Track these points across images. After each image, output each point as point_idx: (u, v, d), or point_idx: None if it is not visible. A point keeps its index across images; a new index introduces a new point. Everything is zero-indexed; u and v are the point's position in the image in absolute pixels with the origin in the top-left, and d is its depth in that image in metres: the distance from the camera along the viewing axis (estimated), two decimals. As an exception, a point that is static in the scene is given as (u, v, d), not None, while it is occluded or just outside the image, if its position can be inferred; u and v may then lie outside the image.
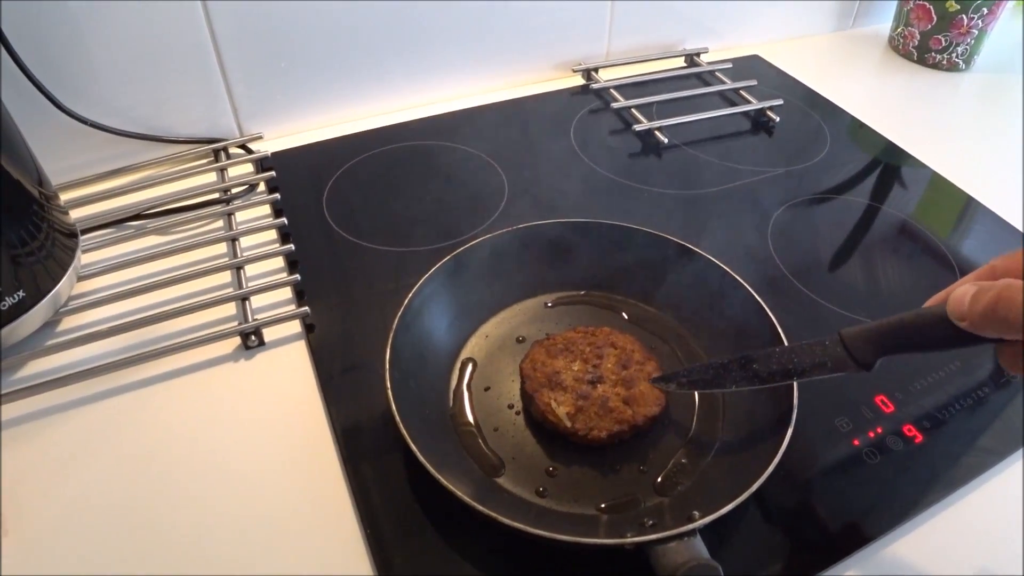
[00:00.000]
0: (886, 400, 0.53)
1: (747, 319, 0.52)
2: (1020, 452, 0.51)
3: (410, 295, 0.51)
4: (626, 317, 0.57)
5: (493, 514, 0.39)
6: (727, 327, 0.53)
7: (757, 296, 0.52)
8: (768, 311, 0.51)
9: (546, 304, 0.58)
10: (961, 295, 0.35)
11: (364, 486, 0.46)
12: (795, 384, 0.46)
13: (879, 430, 0.51)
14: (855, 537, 0.45)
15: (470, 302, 0.56)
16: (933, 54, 0.98)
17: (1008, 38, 1.09)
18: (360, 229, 0.65)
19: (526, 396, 0.49)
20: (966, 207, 0.72)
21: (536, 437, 0.49)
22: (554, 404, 0.48)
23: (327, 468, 0.48)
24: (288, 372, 0.54)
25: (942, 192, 0.74)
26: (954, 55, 0.97)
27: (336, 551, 0.43)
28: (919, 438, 0.50)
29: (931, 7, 0.95)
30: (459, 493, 0.39)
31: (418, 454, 0.41)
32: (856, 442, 0.50)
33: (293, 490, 0.46)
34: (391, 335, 0.48)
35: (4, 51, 0.59)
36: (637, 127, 0.76)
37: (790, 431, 0.44)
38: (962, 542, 0.46)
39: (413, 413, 0.45)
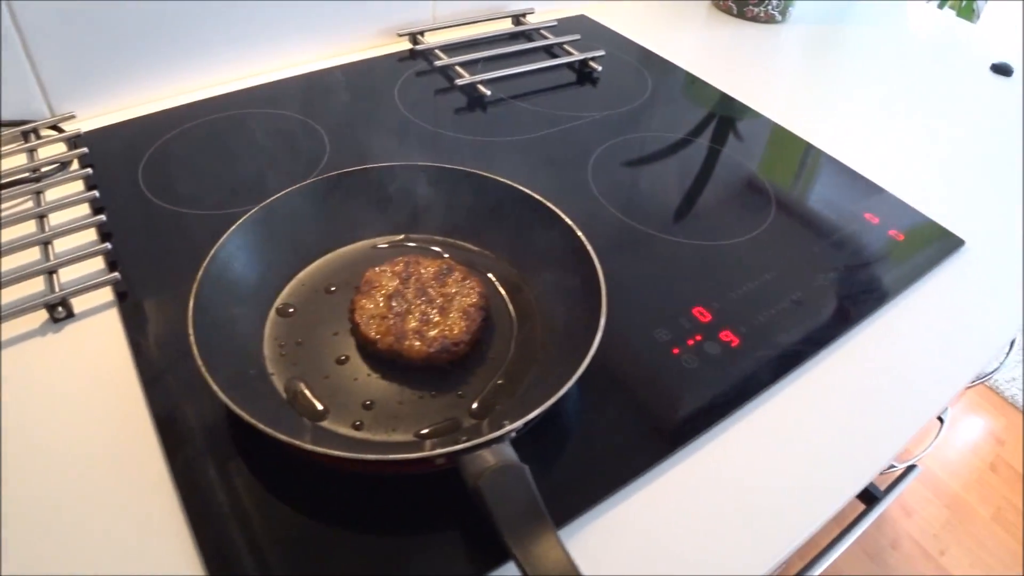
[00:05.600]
0: (703, 311, 0.56)
1: (565, 247, 0.53)
2: (829, 347, 0.55)
3: (215, 248, 0.50)
4: (447, 256, 0.58)
5: (283, 436, 0.38)
6: (546, 255, 0.55)
7: (572, 224, 0.53)
8: (583, 238, 0.52)
9: (371, 247, 0.58)
10: None
11: (181, 452, 0.44)
12: (603, 300, 0.47)
13: (697, 337, 0.54)
14: (677, 437, 0.47)
15: (284, 252, 0.55)
16: (751, 7, 1.04)
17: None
18: (178, 197, 0.64)
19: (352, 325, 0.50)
20: (752, 121, 0.78)
21: (357, 375, 0.49)
22: (365, 317, 0.49)
23: (142, 435, 0.46)
24: (100, 342, 0.52)
25: (745, 121, 0.79)
26: (770, 7, 1.04)
27: (155, 523, 0.42)
28: (736, 341, 0.54)
29: (744, -36, 1.01)
30: (259, 424, 0.39)
31: (219, 393, 0.40)
32: (676, 350, 0.53)
33: (107, 463, 0.45)
34: (195, 286, 0.47)
35: None
36: (459, 82, 0.77)
37: (598, 337, 0.45)
38: (782, 432, 0.49)
39: (227, 365, 0.44)
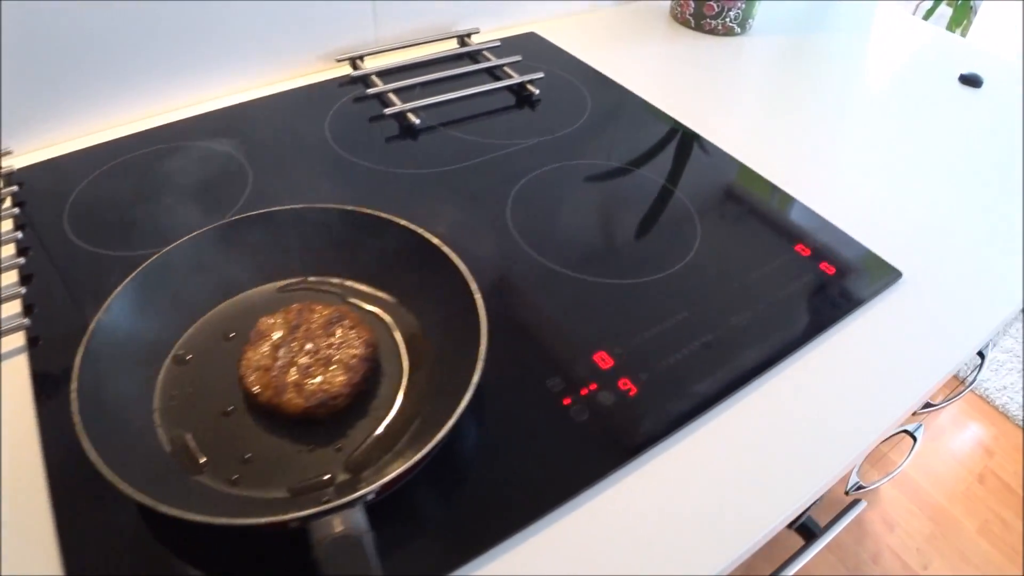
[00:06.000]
0: (606, 356, 0.55)
1: (455, 291, 0.52)
2: (737, 393, 0.54)
3: (98, 315, 0.49)
4: (343, 303, 0.58)
5: (136, 496, 0.39)
6: (441, 300, 0.54)
7: (462, 266, 0.53)
8: (471, 282, 0.52)
9: (275, 290, 0.58)
10: None
11: (67, 496, 0.45)
12: (481, 351, 0.47)
13: (593, 387, 0.53)
14: (548, 498, 0.46)
15: (180, 301, 0.55)
16: (708, 20, 1.03)
17: (780, 5, 1.15)
18: (99, 238, 0.64)
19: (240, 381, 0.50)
20: (690, 145, 0.76)
21: (242, 427, 0.49)
22: (250, 369, 0.49)
23: (32, 478, 0.47)
24: (7, 389, 0.53)
25: (682, 144, 0.78)
26: (727, 20, 1.02)
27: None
28: (634, 391, 0.53)
29: (700, -25, 0.99)
30: (120, 484, 0.39)
31: (89, 453, 0.41)
32: (567, 400, 0.52)
33: None
34: (84, 340, 0.47)
35: None
36: (388, 111, 0.77)
37: (467, 397, 0.45)
38: (680, 484, 0.48)
39: (108, 418, 0.45)
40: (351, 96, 0.82)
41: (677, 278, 0.62)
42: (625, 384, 0.53)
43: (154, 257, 0.54)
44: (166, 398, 0.51)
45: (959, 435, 1.59)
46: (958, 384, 1.16)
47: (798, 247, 0.66)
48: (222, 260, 0.57)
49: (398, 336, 0.55)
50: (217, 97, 0.82)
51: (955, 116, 0.90)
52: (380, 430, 0.49)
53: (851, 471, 0.88)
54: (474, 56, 0.91)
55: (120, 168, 0.72)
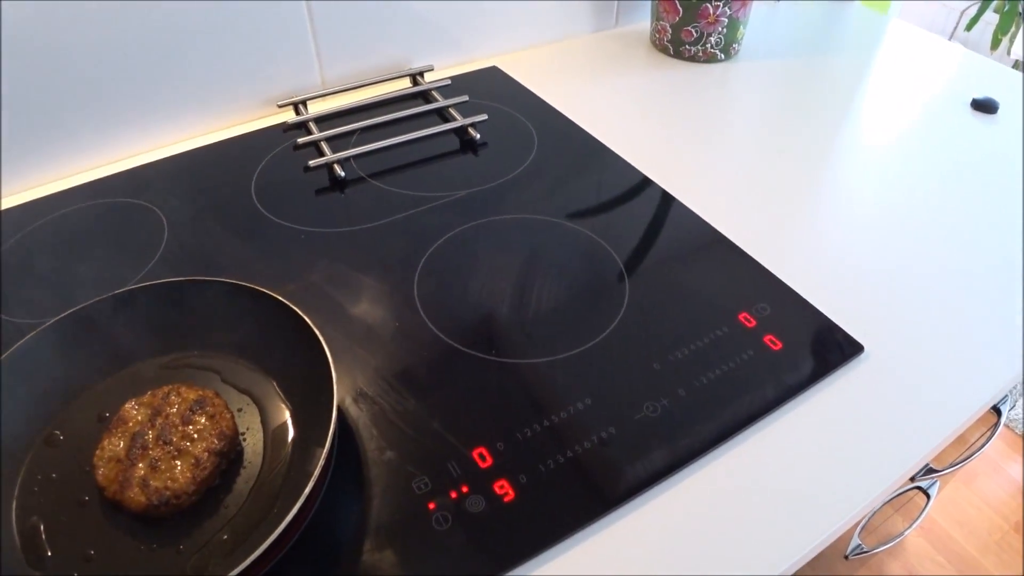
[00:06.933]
0: (485, 452, 0.50)
1: (322, 374, 0.49)
2: (622, 509, 0.48)
3: None
4: (224, 376, 0.56)
5: None
6: (309, 383, 0.51)
7: (325, 346, 0.50)
8: (331, 364, 0.49)
9: (158, 367, 0.56)
10: None
11: None
12: (324, 451, 0.44)
13: (464, 489, 0.48)
14: None
15: (54, 382, 0.53)
16: (687, 47, 0.96)
17: (787, 24, 1.07)
18: (11, 305, 0.63)
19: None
20: (638, 190, 0.71)
21: (92, 520, 0.47)
22: (103, 459, 0.47)
23: None
24: None
25: (625, 189, 0.72)
26: (708, 46, 0.95)
27: None
28: (510, 495, 0.48)
29: (675, 0, 0.93)
30: None
31: None
32: (432, 505, 0.47)
33: None
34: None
35: None
36: (312, 163, 0.74)
37: (298, 504, 0.41)
38: None
39: None
40: (291, 143, 0.79)
41: (589, 356, 0.57)
42: (502, 487, 0.48)
43: (16, 346, 0.52)
44: (30, 481, 0.49)
45: (994, 478, 1.46)
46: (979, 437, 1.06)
47: (742, 316, 0.60)
48: (100, 337, 0.55)
49: (263, 423, 0.52)
50: (152, 149, 0.80)
51: (962, 150, 0.81)
52: (225, 532, 0.46)
53: (852, 533, 0.80)
54: (426, 96, 0.87)
55: (44, 228, 0.70)
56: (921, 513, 0.98)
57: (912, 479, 0.76)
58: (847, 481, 0.49)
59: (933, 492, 0.96)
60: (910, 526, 0.97)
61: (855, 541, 0.86)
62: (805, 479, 0.49)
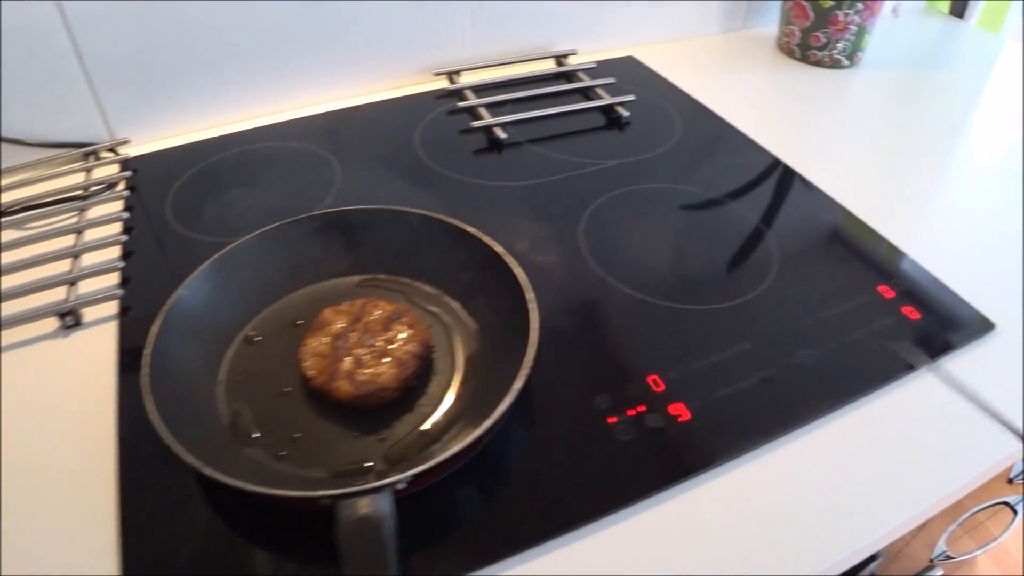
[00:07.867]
0: (658, 379, 0.54)
1: (515, 300, 0.53)
2: (783, 438, 0.51)
3: (187, 280, 0.54)
4: (410, 298, 0.60)
5: (190, 459, 0.41)
6: (500, 307, 0.55)
7: (522, 275, 0.53)
8: (528, 290, 0.52)
9: (352, 285, 0.61)
10: None
11: (132, 464, 0.48)
12: (528, 360, 0.47)
13: (641, 408, 0.52)
14: (581, 513, 0.46)
15: (254, 288, 0.58)
16: (814, 51, 1.00)
17: (906, 37, 1.10)
18: (196, 224, 0.69)
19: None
20: (774, 171, 0.74)
21: (296, 408, 0.51)
22: (308, 354, 0.52)
23: (104, 441, 0.50)
24: (97, 350, 0.57)
25: (763, 169, 0.76)
26: (835, 52, 0.99)
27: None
28: (685, 416, 0.51)
29: (807, 5, 0.97)
30: (174, 446, 0.42)
31: (150, 413, 0.44)
32: (612, 419, 0.51)
33: (64, 463, 0.49)
34: (163, 311, 0.51)
35: None
36: (475, 124, 0.79)
37: (507, 401, 0.45)
38: (713, 525, 0.46)
39: (174, 384, 0.48)
40: (445, 109, 0.85)
41: (745, 308, 0.61)
42: (676, 409, 0.52)
43: (233, 244, 0.57)
44: (232, 373, 0.54)
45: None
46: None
47: (880, 287, 0.63)
48: (298, 252, 0.60)
49: (455, 339, 0.57)
50: (319, 103, 0.87)
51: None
52: (424, 426, 0.50)
53: (939, 538, 0.82)
54: (569, 76, 0.92)
55: (223, 162, 0.77)
56: (1007, 528, 0.98)
57: (1010, 480, 0.77)
58: (971, 446, 0.52)
59: (1020, 508, 0.95)
60: (997, 537, 0.97)
61: (941, 546, 0.86)
62: (930, 443, 0.52)
